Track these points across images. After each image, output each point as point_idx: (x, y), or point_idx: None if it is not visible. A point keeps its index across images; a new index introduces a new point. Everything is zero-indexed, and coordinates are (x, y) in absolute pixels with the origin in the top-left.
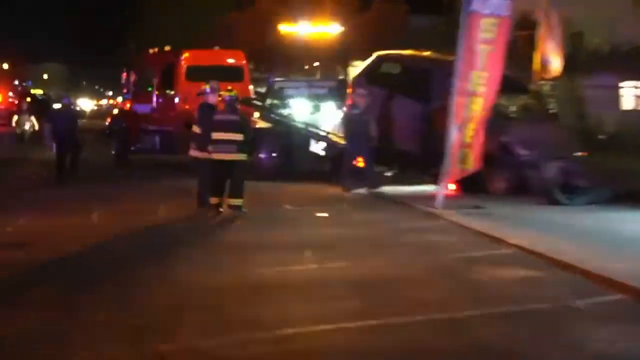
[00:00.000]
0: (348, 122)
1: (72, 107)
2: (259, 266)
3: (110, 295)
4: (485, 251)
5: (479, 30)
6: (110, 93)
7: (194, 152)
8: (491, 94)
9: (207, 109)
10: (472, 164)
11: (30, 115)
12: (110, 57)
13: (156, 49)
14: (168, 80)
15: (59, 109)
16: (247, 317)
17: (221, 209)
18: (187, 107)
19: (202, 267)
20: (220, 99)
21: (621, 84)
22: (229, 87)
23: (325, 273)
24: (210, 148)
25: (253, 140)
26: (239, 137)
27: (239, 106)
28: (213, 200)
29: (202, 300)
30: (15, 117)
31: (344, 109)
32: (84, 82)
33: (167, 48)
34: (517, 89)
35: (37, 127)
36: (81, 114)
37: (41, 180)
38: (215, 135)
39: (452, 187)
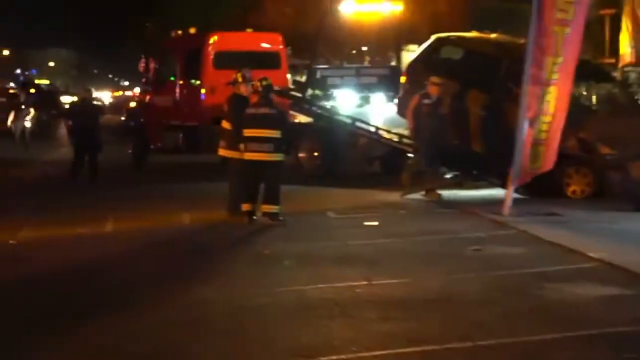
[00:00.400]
0: (418, 115)
1: (92, 101)
2: (297, 283)
3: (121, 318)
4: (560, 265)
5: (554, 9)
6: (127, 83)
7: (223, 151)
8: (568, 83)
9: (239, 102)
10: (544, 162)
11: (31, 110)
12: (126, 41)
13: (179, 32)
14: (193, 68)
15: (77, 104)
16: (283, 342)
17: (255, 217)
18: (214, 99)
19: (231, 284)
20: (253, 89)
21: None
22: (263, 76)
23: (374, 291)
24: (242, 147)
25: (292, 137)
26: (275, 133)
27: (274, 97)
28: (245, 206)
29: (231, 322)
30: (12, 116)
31: (414, 99)
32: (95, 71)
33: (192, 30)
34: (598, 77)
35: (38, 123)
36: (102, 109)
37: (50, 184)
38: (248, 132)
39: (522, 191)
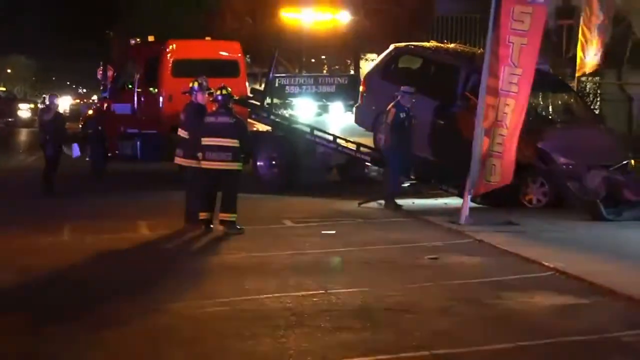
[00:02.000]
0: (393, 128)
1: (57, 108)
2: (254, 292)
3: (80, 330)
4: (516, 274)
5: (510, 19)
6: (84, 91)
7: (179, 160)
8: (525, 94)
9: (196, 110)
10: (501, 176)
11: None
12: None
13: (138, 40)
14: (151, 76)
15: (50, 115)
16: (240, 352)
17: (212, 226)
18: (173, 107)
19: (187, 293)
20: (211, 98)
21: None
22: (222, 84)
23: (331, 300)
24: (199, 155)
25: (250, 146)
26: (233, 142)
27: (233, 106)
28: (202, 215)
29: (189, 332)
30: None
31: (388, 113)
32: (54, 78)
33: (151, 38)
34: (555, 87)
35: None
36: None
37: (6, 192)
38: (206, 141)
39: (479, 200)
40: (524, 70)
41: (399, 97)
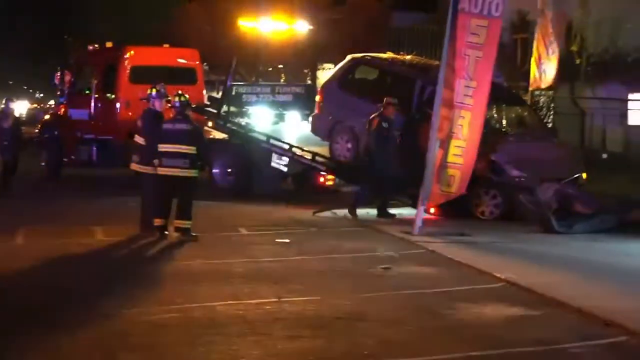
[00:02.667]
0: (375, 138)
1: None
2: (208, 299)
3: (31, 336)
4: (468, 285)
5: (467, 32)
6: (41, 95)
7: (135, 166)
8: (481, 106)
9: (153, 117)
10: (457, 187)
11: None
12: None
13: (96, 45)
14: (109, 82)
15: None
16: (195, 358)
17: (166, 232)
18: (130, 113)
19: (142, 300)
20: (169, 105)
21: (629, 96)
22: (180, 91)
23: (284, 308)
24: (156, 162)
25: (207, 153)
26: (191, 149)
27: (190, 113)
28: (157, 221)
29: (142, 339)
30: None
31: (371, 123)
32: (10, 82)
33: (109, 44)
34: (509, 100)
35: None
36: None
37: None
38: (163, 147)
39: (432, 211)
40: (479, 82)
41: (382, 108)
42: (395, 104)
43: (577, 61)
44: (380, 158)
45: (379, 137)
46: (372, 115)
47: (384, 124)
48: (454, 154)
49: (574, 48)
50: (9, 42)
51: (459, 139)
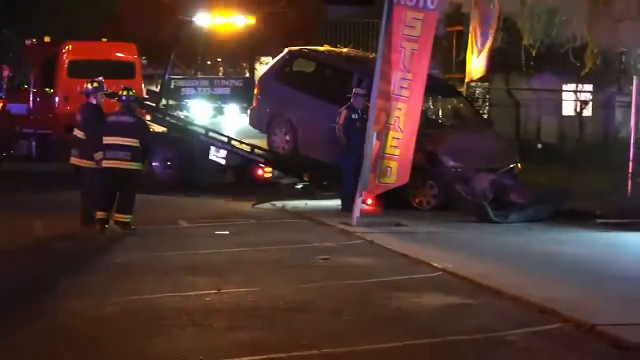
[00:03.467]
0: (344, 129)
1: None
2: (149, 292)
3: None
4: (406, 275)
5: (402, 25)
6: None
7: (75, 160)
8: (418, 100)
9: (91, 111)
10: (396, 178)
11: None
12: None
13: (34, 40)
14: (47, 76)
15: None
16: (135, 350)
17: (107, 225)
18: (68, 107)
19: (82, 293)
20: (115, 98)
21: (563, 87)
22: (126, 86)
23: (223, 300)
24: (97, 155)
25: (150, 146)
26: (134, 142)
27: (136, 107)
28: (100, 214)
29: (82, 333)
30: None
31: (340, 114)
32: None
33: (47, 39)
34: (445, 92)
35: None
36: None
37: None
38: (107, 140)
39: (370, 202)
40: (415, 74)
41: (351, 99)
42: (364, 95)
43: (512, 53)
44: (348, 150)
45: (347, 129)
46: (342, 107)
47: (353, 116)
48: (391, 146)
49: (509, 40)
50: None
51: (396, 131)
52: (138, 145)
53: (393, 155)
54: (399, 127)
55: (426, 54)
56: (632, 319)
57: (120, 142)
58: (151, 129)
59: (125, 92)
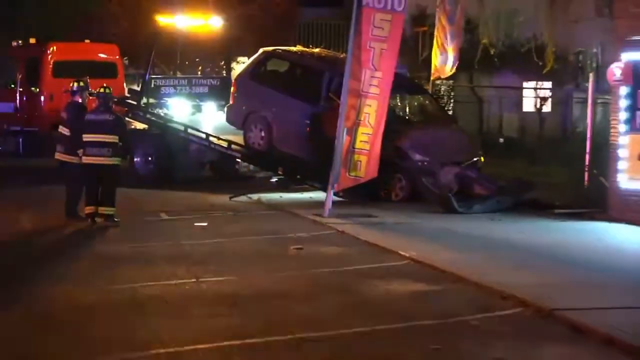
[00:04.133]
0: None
1: None
2: (130, 281)
3: None
4: (375, 263)
5: (371, 26)
6: None
7: (60, 156)
8: (385, 96)
9: (76, 109)
10: (366, 172)
11: None
12: None
13: (20, 41)
14: (33, 76)
15: None
16: (117, 337)
17: (97, 219)
18: (53, 106)
19: (67, 283)
20: (93, 97)
21: (523, 85)
22: (104, 85)
23: (203, 288)
24: (80, 152)
25: (128, 142)
26: (113, 139)
27: (113, 105)
28: (88, 209)
29: (67, 319)
30: None
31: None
32: None
33: (32, 40)
34: (412, 89)
35: None
36: None
37: None
38: (87, 137)
39: (341, 194)
40: (384, 73)
41: None
42: None
43: (475, 52)
44: None
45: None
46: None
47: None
48: (361, 141)
49: (472, 39)
50: None
51: (365, 127)
52: (117, 141)
53: (362, 149)
54: (368, 122)
55: (394, 53)
56: (588, 303)
57: (100, 139)
58: (133, 126)
59: (102, 90)
